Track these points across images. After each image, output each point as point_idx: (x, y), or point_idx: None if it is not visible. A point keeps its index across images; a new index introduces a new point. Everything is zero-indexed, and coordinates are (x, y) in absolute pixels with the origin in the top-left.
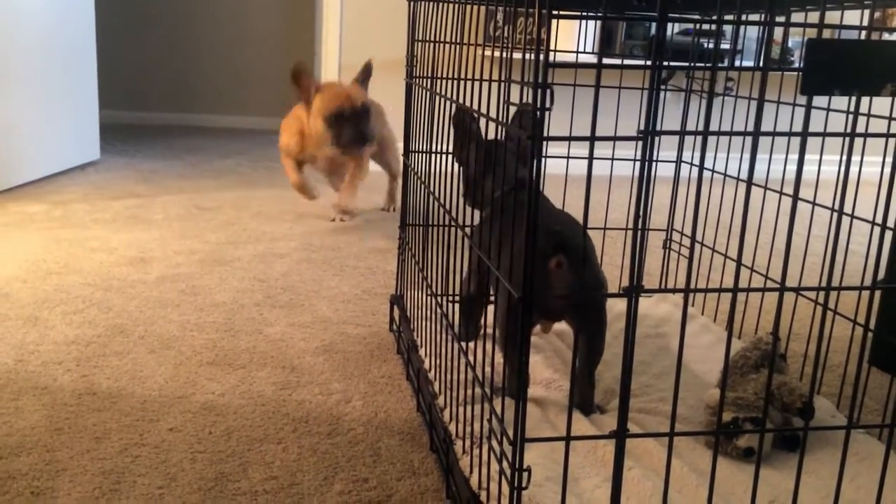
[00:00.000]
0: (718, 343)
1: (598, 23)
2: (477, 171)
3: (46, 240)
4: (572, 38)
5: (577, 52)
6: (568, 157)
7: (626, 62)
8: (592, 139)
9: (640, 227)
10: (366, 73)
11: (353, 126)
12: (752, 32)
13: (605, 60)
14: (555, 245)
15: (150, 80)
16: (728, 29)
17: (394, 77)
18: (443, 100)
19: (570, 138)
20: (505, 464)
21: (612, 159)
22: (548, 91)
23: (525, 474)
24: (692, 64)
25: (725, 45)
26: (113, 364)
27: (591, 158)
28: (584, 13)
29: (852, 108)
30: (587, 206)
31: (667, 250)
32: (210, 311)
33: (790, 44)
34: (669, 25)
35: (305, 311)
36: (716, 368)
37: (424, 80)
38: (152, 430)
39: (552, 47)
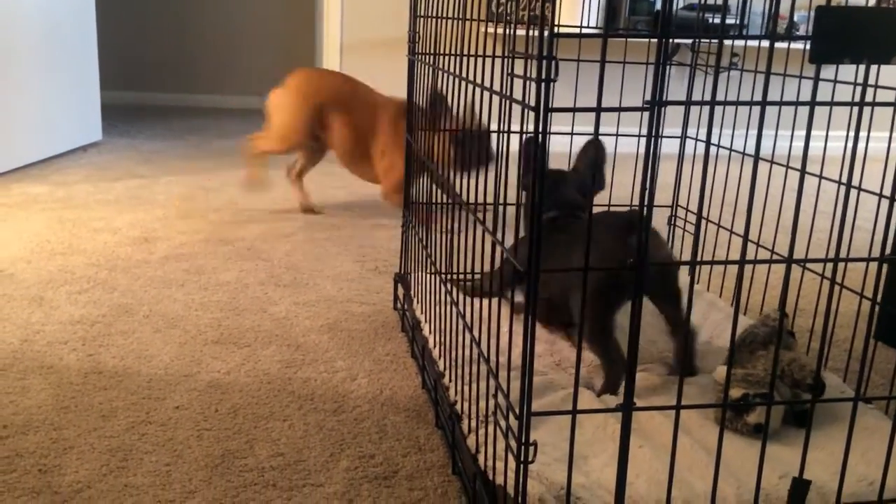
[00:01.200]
0: (727, 320)
1: None
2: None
3: (50, 220)
4: (576, 13)
5: (581, 26)
6: (572, 134)
7: (631, 35)
8: (598, 110)
9: (646, 203)
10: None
11: (479, 147)
12: (758, 7)
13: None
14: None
15: (151, 61)
16: (733, 4)
17: (396, 55)
18: (447, 76)
19: (574, 109)
20: (511, 440)
21: (617, 135)
22: (553, 63)
23: (531, 449)
24: (698, 37)
25: (730, 20)
26: (118, 343)
27: (596, 132)
28: None
29: (860, 80)
30: (594, 179)
31: (671, 226)
32: (214, 291)
33: (796, 18)
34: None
35: (310, 290)
36: (725, 345)
37: (427, 56)
38: (159, 408)
39: (556, 22)
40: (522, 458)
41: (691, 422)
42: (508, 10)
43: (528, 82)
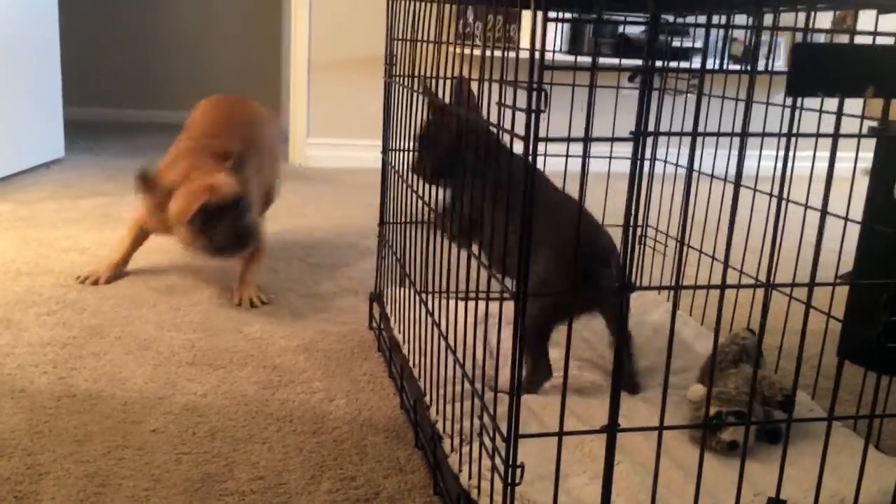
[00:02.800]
0: (698, 338)
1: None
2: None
3: (14, 240)
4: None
5: (554, 50)
6: (567, 156)
7: (624, 63)
8: (587, 140)
9: (630, 224)
10: (240, 160)
11: (227, 224)
12: (715, 31)
13: (599, 61)
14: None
15: (114, 77)
16: (693, 28)
17: (364, 74)
18: (421, 98)
19: (566, 139)
20: (497, 460)
21: (610, 157)
22: (542, 94)
23: (518, 470)
24: (680, 66)
25: (689, 44)
26: (90, 366)
27: (585, 158)
28: (579, 15)
29: (831, 108)
30: (581, 205)
31: (641, 246)
32: (187, 311)
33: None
34: (636, 25)
35: (284, 310)
36: (697, 364)
37: (404, 78)
38: (135, 432)
39: (524, 46)
40: (510, 480)
41: (667, 440)
42: (494, 35)
43: (516, 111)
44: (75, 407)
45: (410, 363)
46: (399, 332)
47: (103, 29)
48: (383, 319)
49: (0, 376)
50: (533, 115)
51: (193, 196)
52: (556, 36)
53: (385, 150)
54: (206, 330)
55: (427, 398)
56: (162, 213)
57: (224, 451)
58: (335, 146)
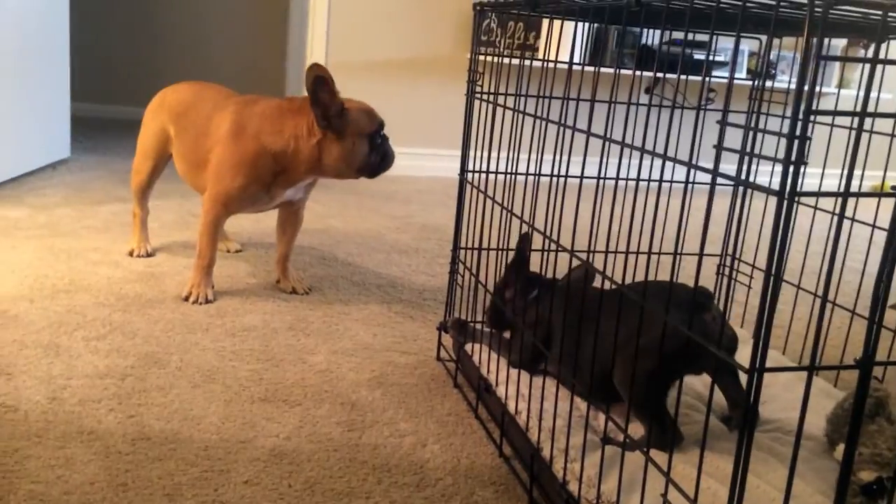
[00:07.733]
0: (796, 380)
1: (596, 29)
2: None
3: (40, 250)
4: (565, 44)
5: (583, 63)
6: (695, 182)
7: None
8: (846, 195)
9: (825, 297)
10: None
11: (387, 145)
12: (741, 45)
13: None
14: (708, 298)
15: (112, 74)
16: (711, 41)
17: (382, 78)
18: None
19: (821, 194)
20: None
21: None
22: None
23: None
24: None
25: (712, 58)
26: (158, 402)
27: (841, 217)
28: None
29: None
30: (833, 267)
31: (720, 276)
32: (243, 337)
33: (772, 57)
34: (656, 35)
35: (343, 337)
36: (789, 407)
37: (497, 95)
38: (226, 484)
39: (545, 57)
40: None
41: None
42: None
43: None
44: (154, 452)
45: (513, 409)
46: (489, 371)
47: (104, 25)
48: (461, 354)
49: (62, 414)
50: (793, 168)
51: (372, 114)
52: (578, 42)
53: (462, 171)
54: (269, 360)
55: (546, 452)
56: (327, 122)
57: None
58: None
